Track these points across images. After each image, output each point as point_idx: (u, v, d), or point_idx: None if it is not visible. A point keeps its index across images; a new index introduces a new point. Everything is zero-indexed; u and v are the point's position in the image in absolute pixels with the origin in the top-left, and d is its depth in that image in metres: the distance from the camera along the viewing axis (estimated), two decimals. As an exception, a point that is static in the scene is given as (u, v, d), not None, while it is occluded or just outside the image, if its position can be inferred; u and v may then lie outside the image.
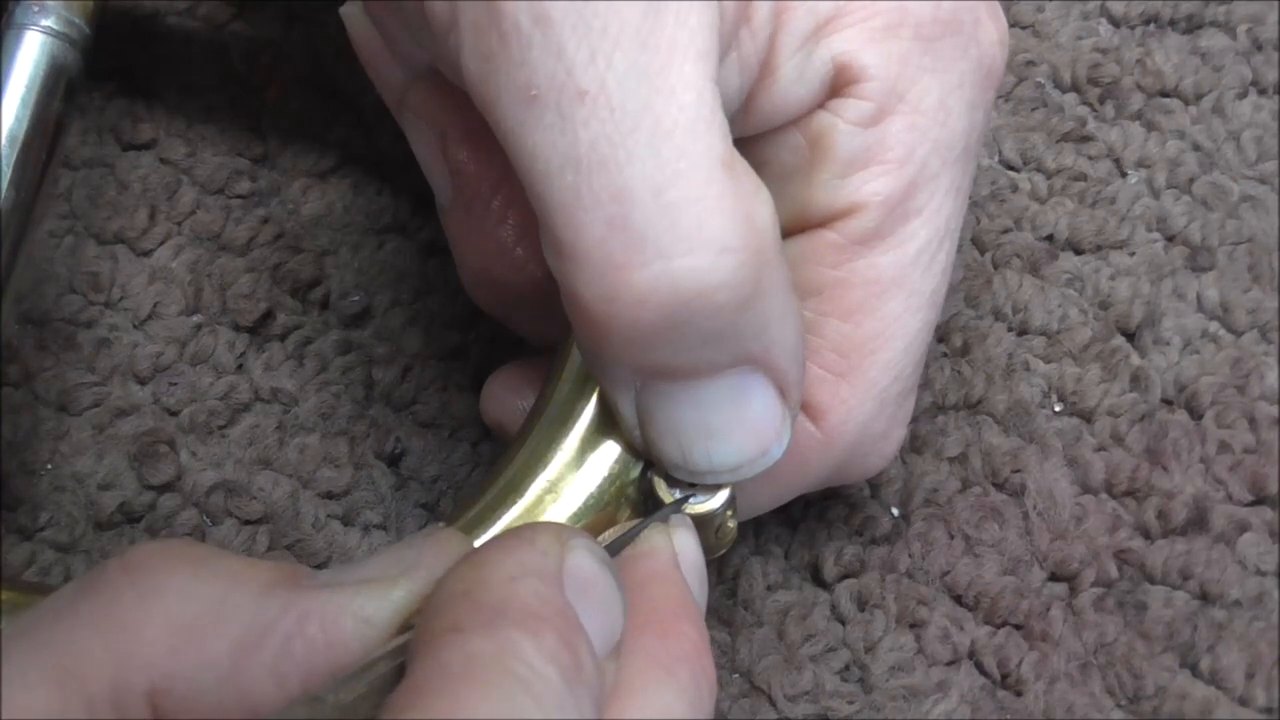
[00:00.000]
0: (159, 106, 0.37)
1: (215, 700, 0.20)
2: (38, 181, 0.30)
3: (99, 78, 0.37)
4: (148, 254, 0.35)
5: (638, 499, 0.25)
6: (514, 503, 0.25)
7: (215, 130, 0.37)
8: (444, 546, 0.22)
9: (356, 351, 0.35)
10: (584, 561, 0.21)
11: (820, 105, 0.26)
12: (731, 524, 0.26)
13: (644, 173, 0.21)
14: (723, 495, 0.25)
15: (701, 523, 0.25)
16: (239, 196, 0.36)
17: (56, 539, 0.32)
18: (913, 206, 0.26)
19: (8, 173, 0.29)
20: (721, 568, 0.32)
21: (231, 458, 0.33)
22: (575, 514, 0.25)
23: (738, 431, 0.24)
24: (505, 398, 0.29)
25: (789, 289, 0.23)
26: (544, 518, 0.25)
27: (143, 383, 0.34)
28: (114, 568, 0.20)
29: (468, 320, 0.35)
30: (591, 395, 0.25)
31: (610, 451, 0.25)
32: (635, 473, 0.25)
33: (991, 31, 0.27)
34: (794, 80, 0.25)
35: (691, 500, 0.25)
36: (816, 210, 0.27)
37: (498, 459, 0.26)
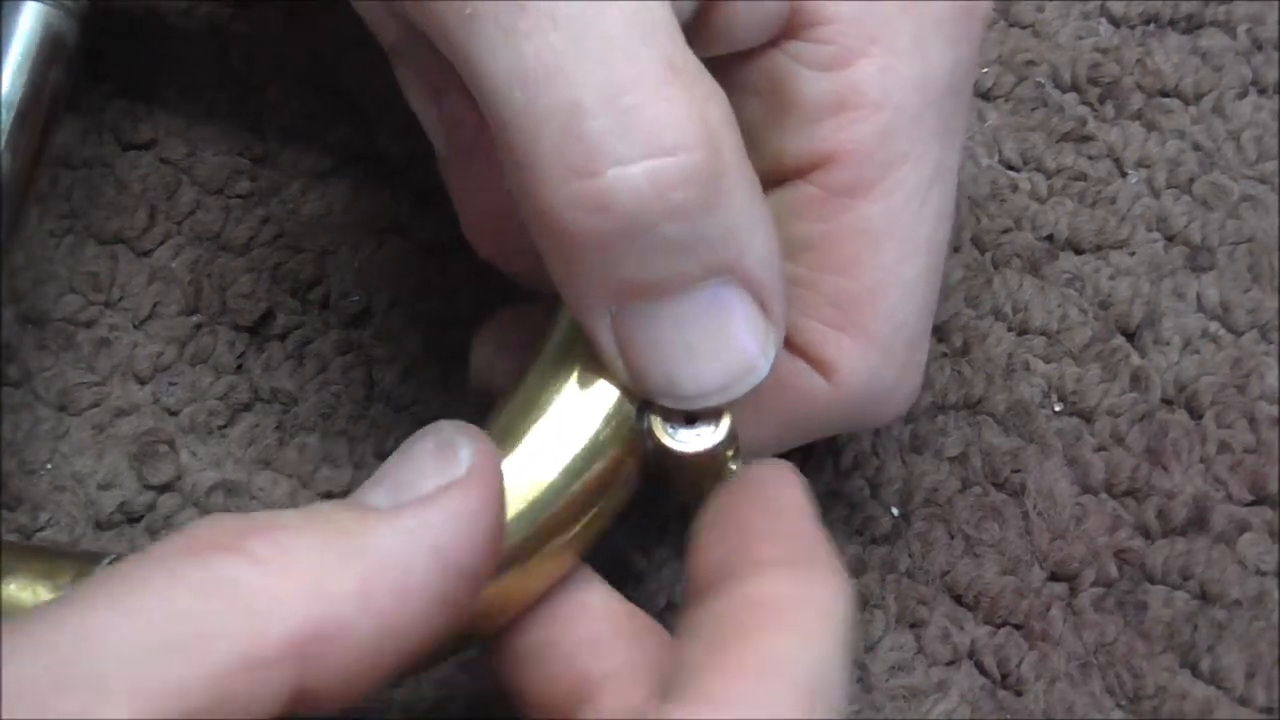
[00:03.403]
0: (159, 106, 0.37)
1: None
2: (35, 149, 0.30)
3: (99, 78, 0.37)
4: (148, 254, 0.35)
5: (637, 441, 0.25)
6: (511, 447, 0.24)
7: (215, 130, 0.37)
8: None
9: (356, 351, 0.35)
10: None
11: (775, 43, 0.26)
12: (734, 465, 0.25)
13: (593, 81, 0.21)
14: (724, 429, 0.24)
15: (703, 464, 0.24)
16: (239, 196, 0.36)
17: (56, 539, 0.32)
18: (895, 152, 0.26)
19: (5, 138, 0.29)
20: (721, 568, 0.32)
21: (231, 458, 0.33)
22: (575, 458, 0.24)
23: (721, 348, 0.23)
24: (496, 354, 0.29)
25: (756, 195, 0.23)
26: (542, 462, 0.24)
27: (143, 382, 0.34)
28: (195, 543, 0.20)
29: (468, 320, 0.35)
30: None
31: (608, 395, 0.24)
32: (634, 416, 0.25)
33: None
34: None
35: (692, 434, 0.24)
36: (790, 160, 0.26)
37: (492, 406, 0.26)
